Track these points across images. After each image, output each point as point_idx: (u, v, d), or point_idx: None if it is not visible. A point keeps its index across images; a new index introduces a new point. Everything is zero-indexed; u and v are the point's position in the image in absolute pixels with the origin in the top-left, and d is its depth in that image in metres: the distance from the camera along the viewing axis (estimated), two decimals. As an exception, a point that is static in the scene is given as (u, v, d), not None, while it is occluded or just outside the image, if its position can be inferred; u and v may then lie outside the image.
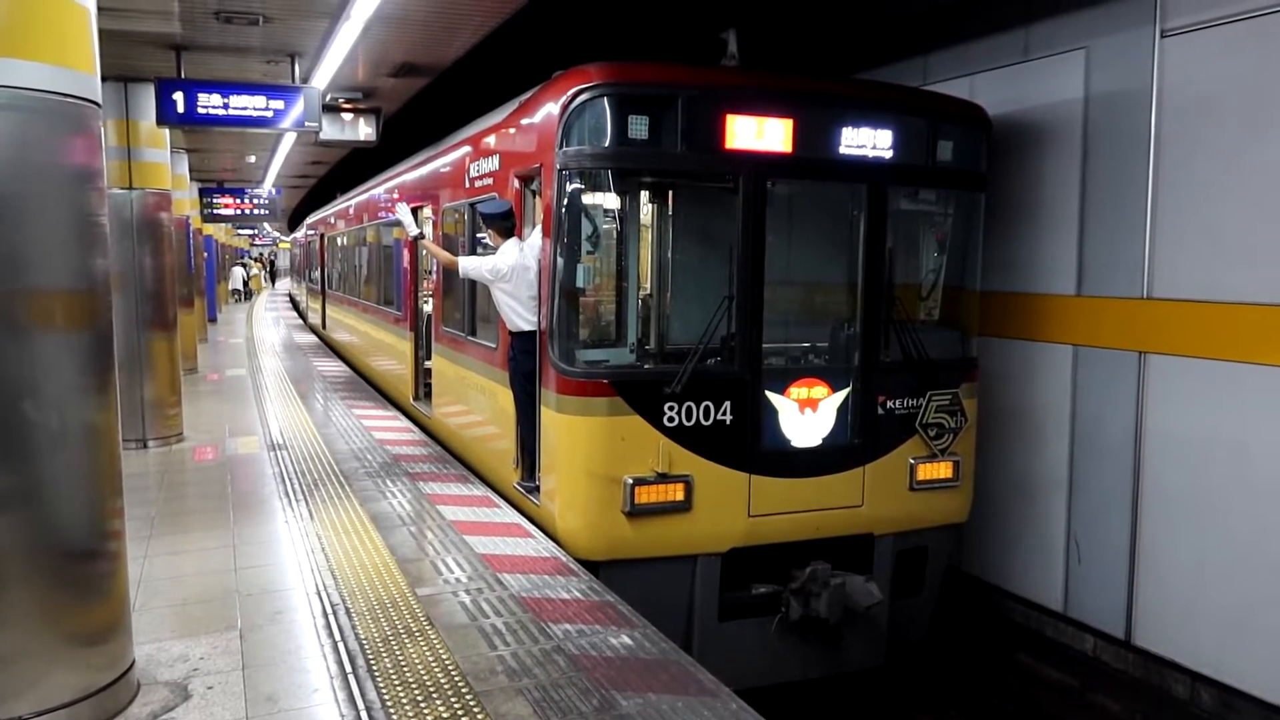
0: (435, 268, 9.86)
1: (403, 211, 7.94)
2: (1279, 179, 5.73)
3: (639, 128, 5.84)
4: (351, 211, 16.88)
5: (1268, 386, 5.80)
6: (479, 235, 8.31)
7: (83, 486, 3.70)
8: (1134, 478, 6.75)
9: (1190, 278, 6.29)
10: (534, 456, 6.59)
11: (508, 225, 6.87)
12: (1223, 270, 6.07)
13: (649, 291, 6.78)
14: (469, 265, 7.04)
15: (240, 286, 39.47)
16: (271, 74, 9.28)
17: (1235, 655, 6.06)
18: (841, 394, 6.41)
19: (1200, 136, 6.22)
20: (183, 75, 8.50)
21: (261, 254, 59.00)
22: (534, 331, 6.52)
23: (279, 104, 8.61)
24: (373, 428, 10.17)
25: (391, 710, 3.86)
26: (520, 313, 6.66)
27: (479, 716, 3.81)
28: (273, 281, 57.85)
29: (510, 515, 6.73)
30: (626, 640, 4.58)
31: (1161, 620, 6.59)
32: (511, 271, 6.66)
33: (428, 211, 10.20)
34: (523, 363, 6.66)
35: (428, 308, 10.36)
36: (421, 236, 7.60)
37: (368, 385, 13.60)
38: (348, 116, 10.30)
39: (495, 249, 6.92)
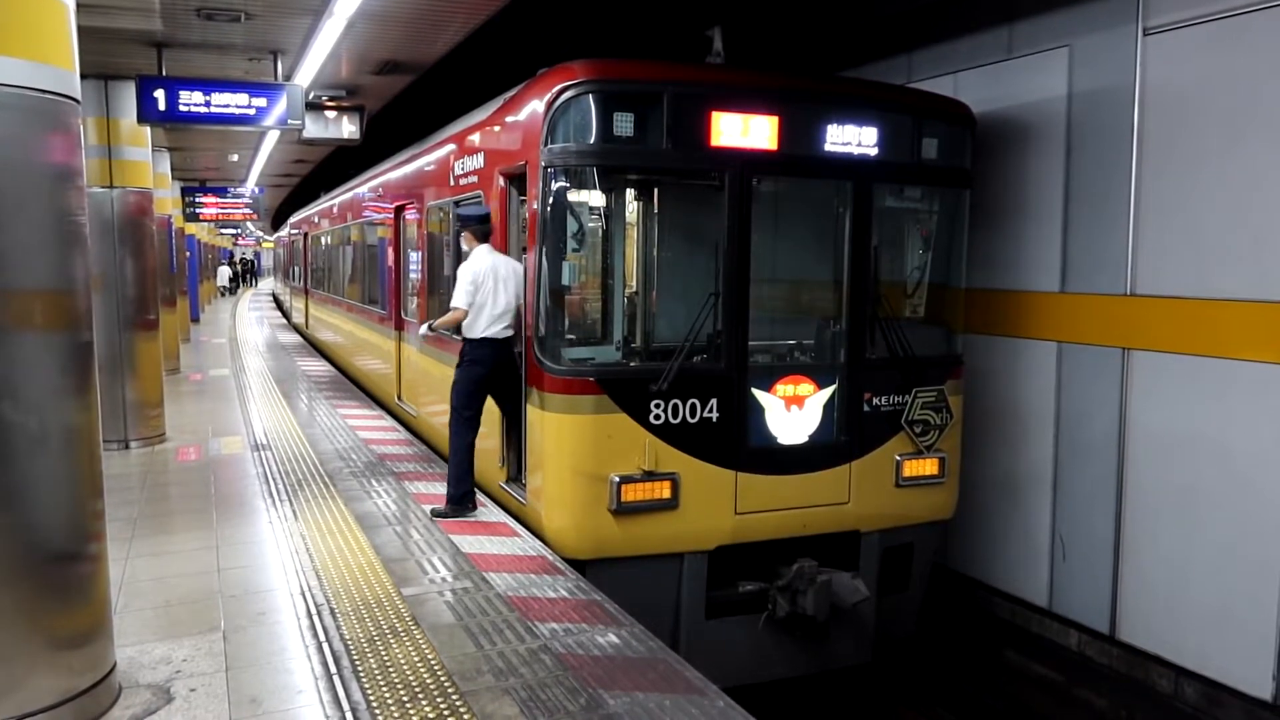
0: (420, 268, 9.82)
1: (422, 328, 7.60)
2: (1260, 176, 5.77)
3: (624, 125, 5.83)
4: (335, 210, 16.80)
5: (1250, 382, 5.84)
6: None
7: (63, 488, 3.66)
8: (1118, 473, 6.78)
9: (1173, 274, 6.33)
10: (459, 472, 6.63)
11: (485, 230, 6.77)
12: (1205, 267, 6.11)
13: (635, 289, 6.77)
14: (465, 301, 6.53)
15: (226, 283, 43.91)
16: (254, 71, 9.22)
17: (1218, 650, 6.11)
18: (827, 391, 6.42)
19: (1182, 134, 6.26)
20: (164, 73, 8.43)
21: (242, 255, 58.71)
22: (480, 340, 6.46)
23: (261, 102, 8.54)
24: (357, 427, 10.13)
25: (377, 711, 3.84)
26: (471, 316, 6.52)
27: (465, 716, 3.79)
28: (254, 282, 57.78)
29: (496, 514, 6.71)
30: (613, 639, 4.57)
31: (1145, 615, 6.63)
32: (484, 276, 6.50)
33: (413, 215, 10.17)
34: (469, 372, 6.58)
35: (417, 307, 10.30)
36: (431, 329, 7.39)
37: (352, 384, 13.54)
38: (331, 114, 10.23)
39: (468, 251, 6.77)
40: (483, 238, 6.77)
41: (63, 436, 3.64)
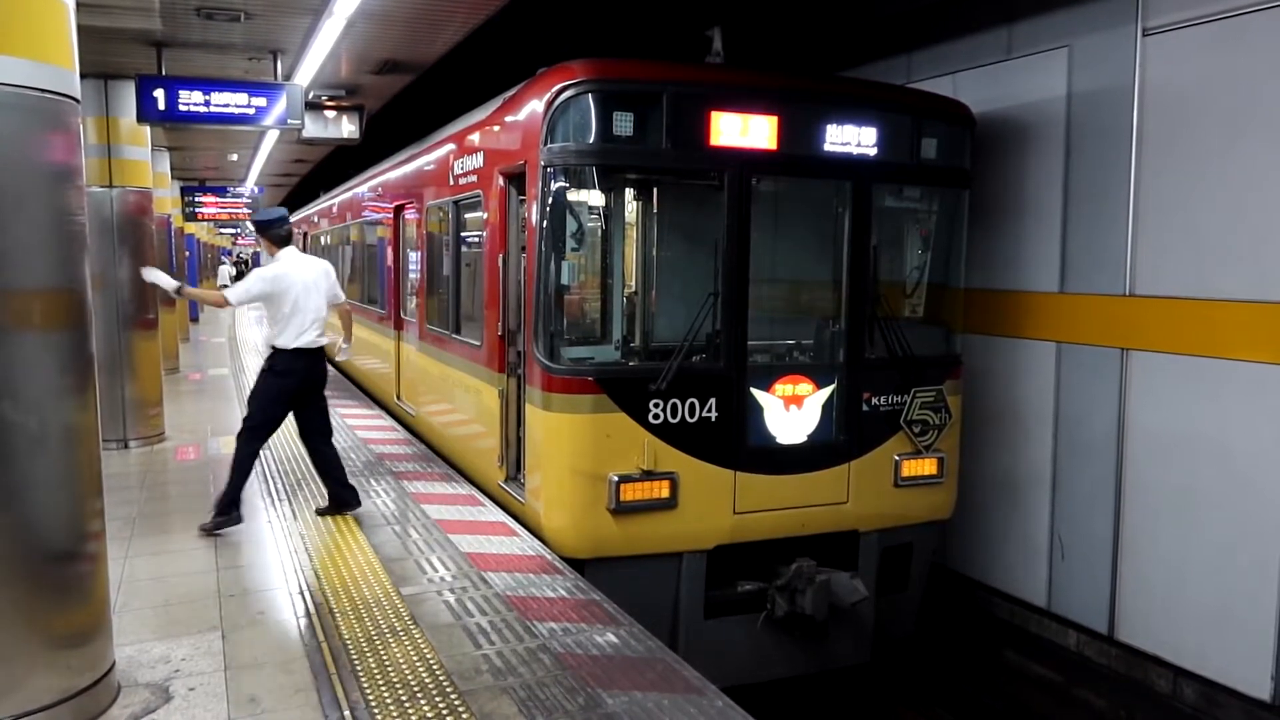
0: (420, 268, 9.82)
1: (154, 275, 6.66)
2: (1259, 176, 5.78)
3: (624, 124, 5.84)
4: (335, 210, 16.79)
5: (1248, 383, 5.84)
6: (462, 234, 8.29)
7: (62, 488, 3.66)
8: (1116, 474, 6.78)
9: (1172, 275, 6.33)
10: (236, 480, 6.32)
11: (281, 233, 6.48)
12: (1204, 267, 6.11)
13: (634, 289, 6.77)
14: (238, 294, 6.48)
15: (228, 281, 43.25)
16: (254, 71, 9.21)
17: (1217, 650, 6.11)
18: (826, 391, 6.42)
19: (1182, 134, 6.26)
20: (164, 72, 8.43)
21: (238, 254, 58.83)
22: (296, 351, 6.30)
23: (261, 101, 8.54)
24: (357, 426, 10.13)
25: (375, 710, 3.84)
26: (278, 327, 6.35)
27: (464, 716, 3.80)
28: None
29: (495, 514, 6.71)
30: (612, 638, 4.57)
31: (1144, 615, 6.63)
32: (275, 280, 6.30)
33: (412, 214, 10.17)
34: (278, 383, 6.37)
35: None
36: (180, 291, 6.80)
37: (351, 383, 13.54)
38: (331, 114, 10.24)
39: (272, 258, 6.50)
40: (281, 242, 6.48)
41: (62, 436, 3.64)
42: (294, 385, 6.40)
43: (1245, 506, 5.91)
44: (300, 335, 6.32)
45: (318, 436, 6.65)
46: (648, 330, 6.60)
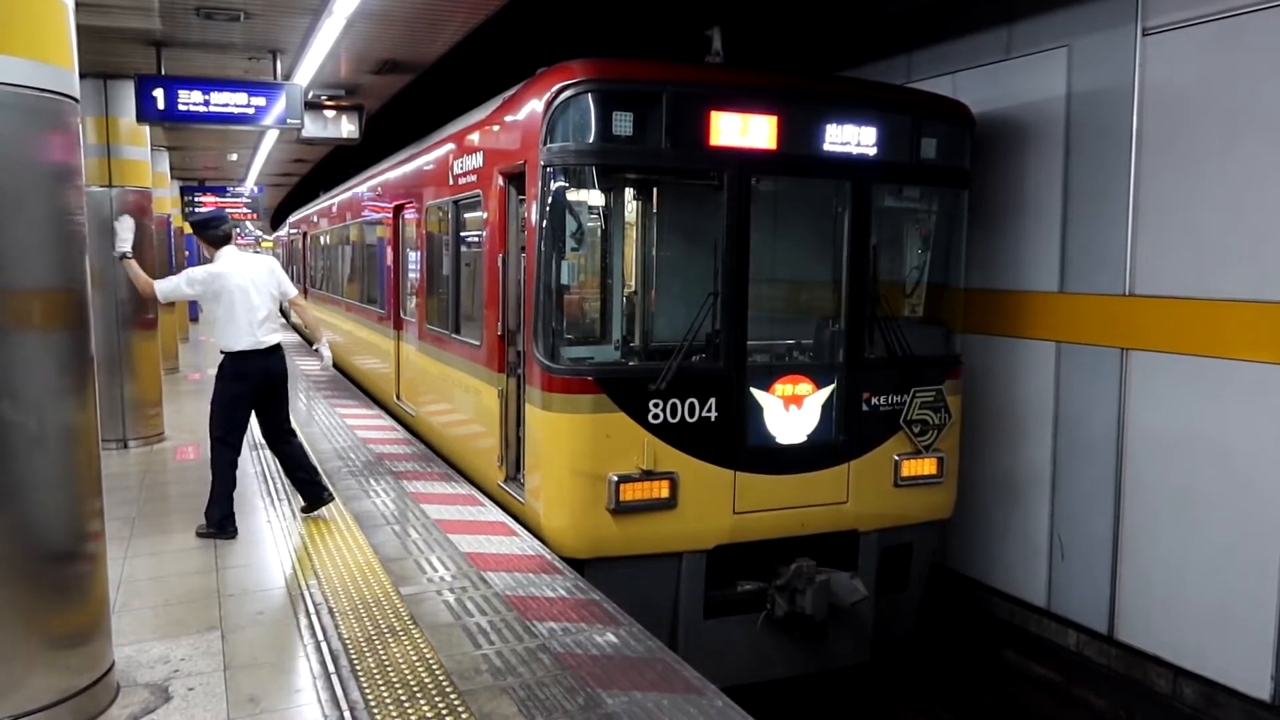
0: (419, 268, 9.83)
1: (123, 224, 6.44)
2: (1259, 176, 5.78)
3: (623, 124, 5.83)
4: (334, 210, 16.79)
5: (1248, 382, 5.84)
6: (462, 234, 8.29)
7: (61, 487, 3.66)
8: (1116, 473, 6.78)
9: (1172, 274, 6.33)
10: (220, 493, 6.18)
11: (219, 234, 6.29)
12: (1204, 267, 6.11)
13: (634, 289, 6.77)
14: (166, 287, 6.29)
15: None
16: (253, 70, 9.21)
17: (1217, 650, 6.11)
18: (826, 391, 6.42)
19: (1181, 134, 6.26)
20: (163, 72, 8.42)
21: None
22: (242, 353, 6.13)
23: (260, 101, 8.53)
24: (356, 426, 10.13)
25: (375, 710, 3.83)
26: (219, 330, 6.19)
27: (463, 716, 3.79)
28: None
29: (495, 513, 6.71)
30: (611, 638, 4.57)
31: (1144, 615, 6.63)
32: (206, 281, 6.11)
33: (411, 213, 10.17)
34: (230, 389, 6.19)
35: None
36: (126, 257, 6.31)
37: (350, 383, 13.54)
38: (330, 114, 10.24)
39: (210, 259, 6.30)
40: (218, 242, 6.28)
41: (61, 436, 3.64)
42: (249, 389, 6.22)
43: (1245, 506, 5.91)
44: (243, 337, 6.12)
45: (278, 437, 6.51)
46: (647, 330, 6.60)
